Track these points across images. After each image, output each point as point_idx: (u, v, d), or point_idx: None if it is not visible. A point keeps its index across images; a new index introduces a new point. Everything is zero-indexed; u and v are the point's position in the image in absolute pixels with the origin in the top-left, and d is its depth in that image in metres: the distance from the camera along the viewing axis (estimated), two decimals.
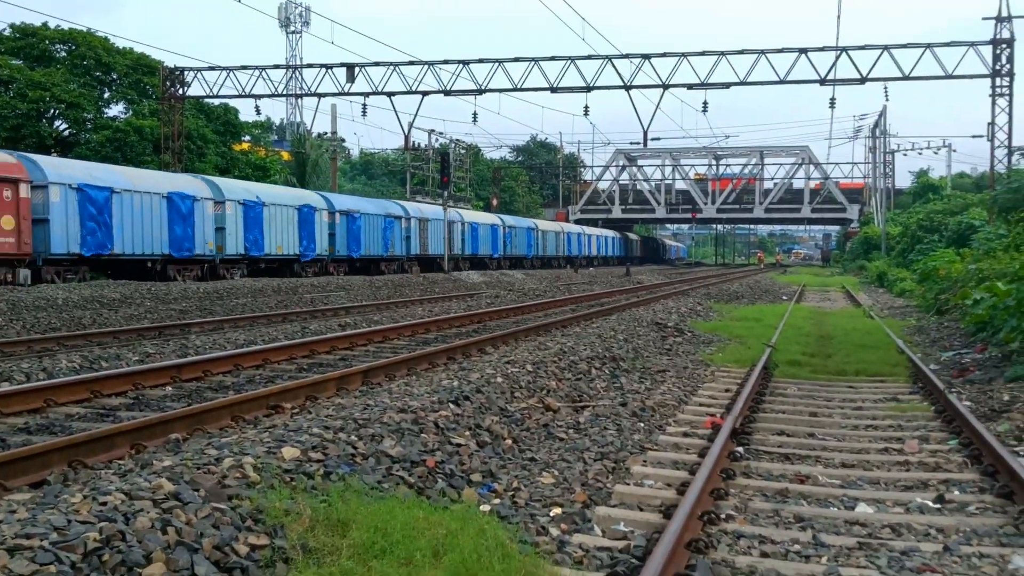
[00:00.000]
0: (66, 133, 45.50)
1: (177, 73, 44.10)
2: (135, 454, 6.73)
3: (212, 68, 43.78)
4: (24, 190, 25.04)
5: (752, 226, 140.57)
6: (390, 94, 42.83)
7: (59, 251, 26.08)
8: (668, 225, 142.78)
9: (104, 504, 4.42)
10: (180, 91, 44.18)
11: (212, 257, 32.33)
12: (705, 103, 43.10)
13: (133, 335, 15.25)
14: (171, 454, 6.19)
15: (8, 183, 24.65)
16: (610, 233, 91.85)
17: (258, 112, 49.90)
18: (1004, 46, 38.67)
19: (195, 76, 43.96)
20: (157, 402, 9.19)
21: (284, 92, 48.38)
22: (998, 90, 38.88)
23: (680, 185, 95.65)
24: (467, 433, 7.20)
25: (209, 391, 9.89)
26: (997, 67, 38.68)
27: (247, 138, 58.33)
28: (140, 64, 46.82)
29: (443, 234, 48.41)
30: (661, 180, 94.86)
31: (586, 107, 44.72)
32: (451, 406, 7.72)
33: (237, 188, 34.77)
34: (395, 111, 44.58)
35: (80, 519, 4.20)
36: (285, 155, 65.26)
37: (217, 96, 45.08)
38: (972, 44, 38.45)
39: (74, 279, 26.68)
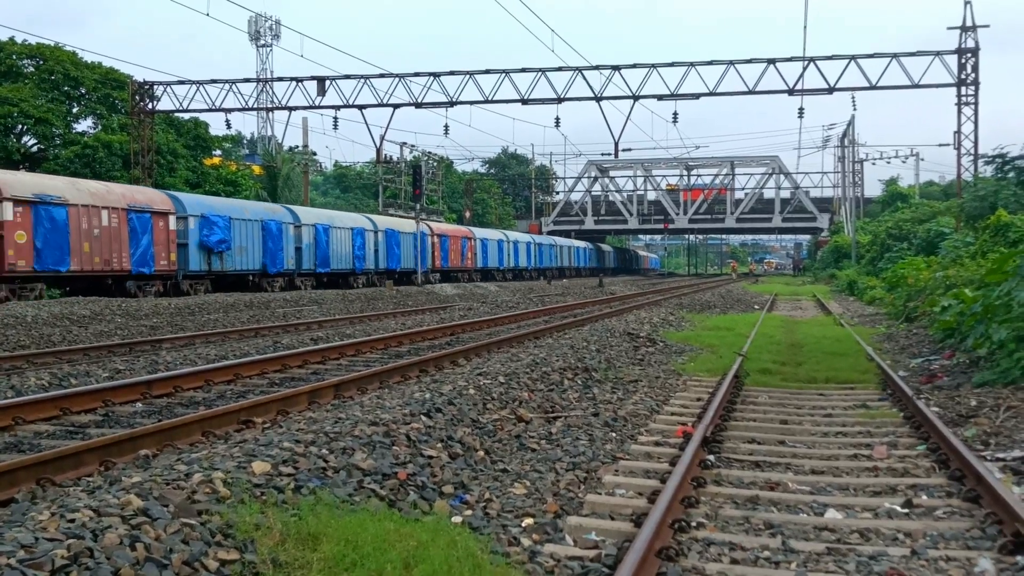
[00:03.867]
0: (34, 149, 45.16)
1: (146, 87, 43.87)
2: (104, 471, 6.68)
3: (182, 82, 43.59)
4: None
5: (724, 236, 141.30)
6: (361, 107, 42.84)
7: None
8: (641, 236, 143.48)
9: (72, 521, 4.39)
10: (150, 105, 43.96)
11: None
12: (675, 114, 43.75)
13: (103, 352, 15.13)
14: (140, 470, 6.14)
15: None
16: (583, 244, 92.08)
17: (228, 126, 50.09)
18: (969, 55, 39.12)
19: (165, 90, 43.77)
20: (127, 418, 9.13)
21: (255, 106, 48.33)
22: (964, 99, 39.32)
23: (652, 196, 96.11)
24: (439, 445, 7.20)
25: (180, 407, 9.83)
26: (962, 76, 39.12)
27: (218, 152, 58.11)
28: (109, 78, 46.59)
29: (413, 246, 48.29)
30: (633, 191, 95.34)
31: (557, 118, 45.02)
32: (423, 418, 7.71)
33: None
34: (367, 124, 44.92)
35: (48, 536, 4.17)
36: (256, 169, 65.01)
37: (187, 110, 44.92)
38: (938, 53, 38.89)
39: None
